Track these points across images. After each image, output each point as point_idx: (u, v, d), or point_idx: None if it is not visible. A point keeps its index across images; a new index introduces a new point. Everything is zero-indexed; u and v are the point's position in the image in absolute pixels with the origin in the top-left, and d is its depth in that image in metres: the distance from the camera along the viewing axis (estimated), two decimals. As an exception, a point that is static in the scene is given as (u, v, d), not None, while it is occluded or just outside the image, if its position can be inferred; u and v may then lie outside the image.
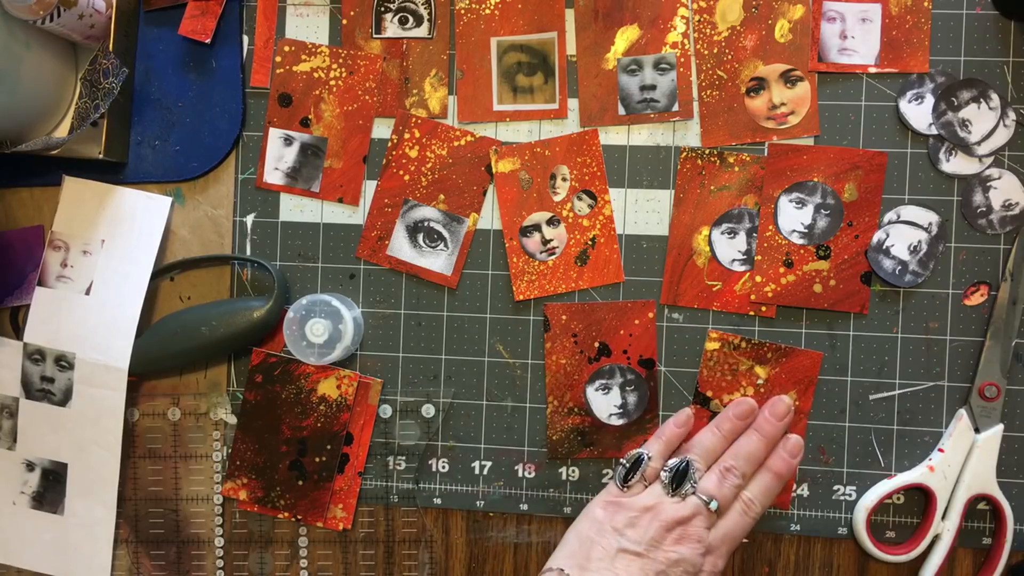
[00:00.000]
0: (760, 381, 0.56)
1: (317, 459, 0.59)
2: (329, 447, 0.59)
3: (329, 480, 0.59)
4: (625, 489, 0.53)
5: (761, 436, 0.54)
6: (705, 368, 0.57)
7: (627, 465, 0.54)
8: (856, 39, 0.56)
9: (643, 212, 0.58)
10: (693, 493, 0.52)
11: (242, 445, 0.59)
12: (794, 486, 0.57)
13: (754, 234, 0.57)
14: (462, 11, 0.58)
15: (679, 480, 0.52)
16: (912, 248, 0.55)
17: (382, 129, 0.59)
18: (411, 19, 0.59)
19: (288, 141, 0.59)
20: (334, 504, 0.59)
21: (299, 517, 0.59)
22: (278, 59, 0.59)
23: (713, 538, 0.51)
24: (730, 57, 0.57)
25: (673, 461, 0.53)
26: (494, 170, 0.58)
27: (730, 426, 0.55)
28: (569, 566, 0.51)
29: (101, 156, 0.58)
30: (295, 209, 0.60)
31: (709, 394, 0.57)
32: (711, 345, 0.56)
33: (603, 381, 0.58)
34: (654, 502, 0.52)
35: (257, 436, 0.59)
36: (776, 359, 0.56)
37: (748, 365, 0.56)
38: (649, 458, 0.54)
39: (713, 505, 0.52)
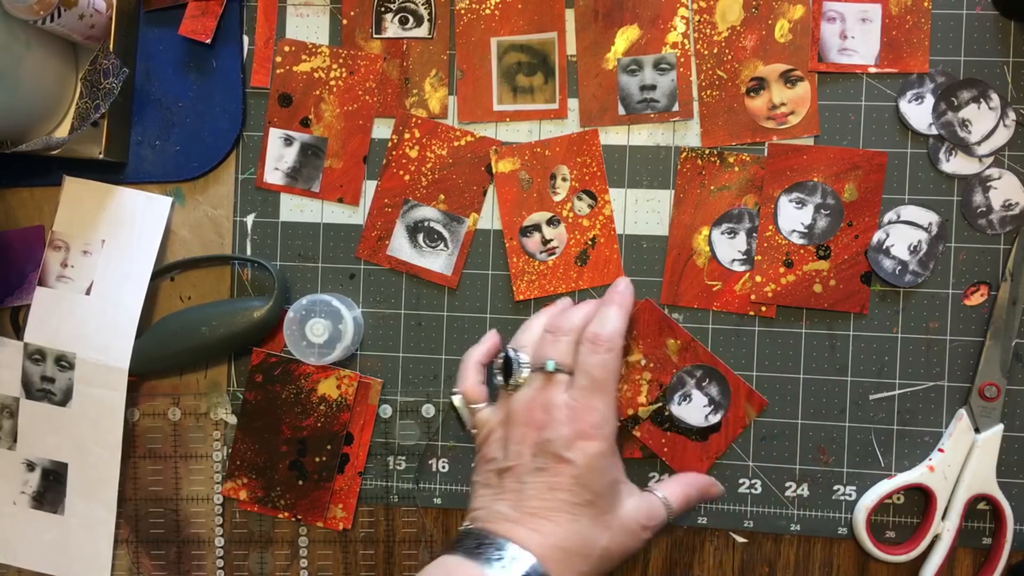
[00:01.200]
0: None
1: (317, 459, 0.59)
2: (329, 447, 0.59)
3: (329, 480, 0.59)
4: (472, 429, 0.52)
5: (583, 306, 0.52)
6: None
7: (455, 417, 0.52)
8: (856, 39, 0.56)
9: (643, 212, 0.58)
10: (525, 368, 0.49)
11: (242, 445, 0.59)
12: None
13: (754, 234, 0.57)
14: (462, 11, 0.58)
15: (508, 371, 0.50)
16: (912, 248, 0.55)
17: (382, 129, 0.59)
18: (411, 19, 0.59)
19: (288, 141, 0.59)
20: (334, 504, 0.59)
21: (299, 517, 0.59)
22: (278, 59, 0.59)
23: (573, 394, 0.48)
24: (730, 57, 0.57)
25: (495, 360, 0.51)
26: (494, 170, 0.58)
27: (542, 321, 0.53)
28: (469, 515, 0.49)
29: (101, 156, 0.58)
30: (295, 209, 0.60)
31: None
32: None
33: (603, 381, 0.58)
34: (503, 411, 0.50)
35: (257, 436, 0.59)
36: None
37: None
38: (456, 393, 0.53)
39: (549, 365, 0.48)
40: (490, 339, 0.56)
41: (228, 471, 0.60)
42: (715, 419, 0.56)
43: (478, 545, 0.45)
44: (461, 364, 0.56)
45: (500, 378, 0.51)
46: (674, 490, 0.52)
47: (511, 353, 0.51)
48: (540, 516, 0.46)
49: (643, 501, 0.50)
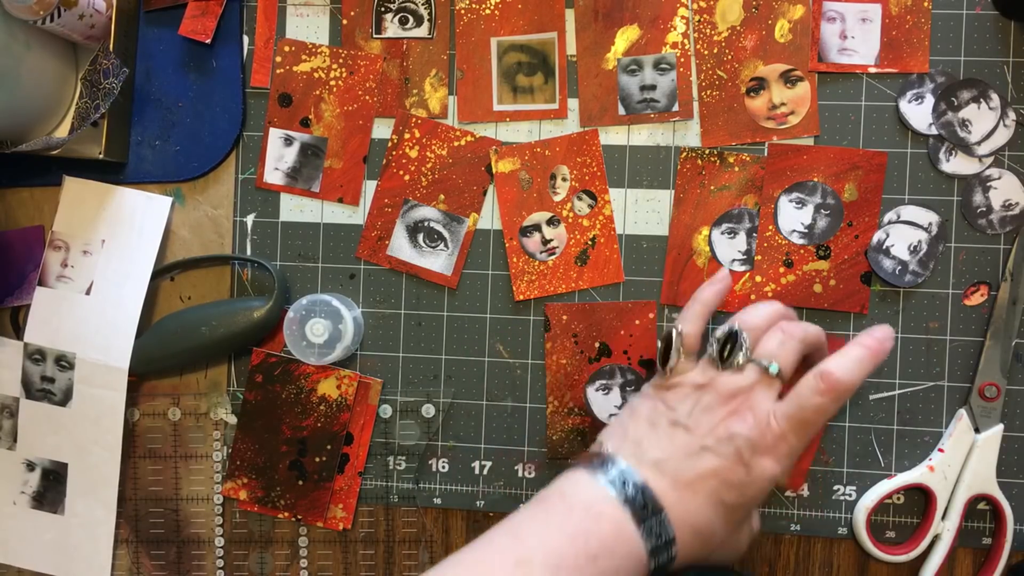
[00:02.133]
0: None
1: (317, 459, 0.59)
2: (329, 447, 0.59)
3: (329, 480, 0.59)
4: (669, 373, 0.48)
5: (817, 328, 0.49)
6: None
7: (661, 346, 0.49)
8: (856, 39, 0.56)
9: (643, 212, 0.58)
10: (748, 360, 0.46)
11: (242, 445, 0.59)
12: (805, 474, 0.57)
13: (754, 234, 0.57)
14: (462, 11, 0.58)
15: (729, 348, 0.47)
16: (912, 248, 0.55)
17: (382, 129, 0.59)
18: (411, 19, 0.59)
19: (288, 141, 0.59)
20: (334, 504, 0.59)
21: (299, 517, 0.59)
22: (278, 59, 0.59)
23: (778, 414, 0.45)
24: (730, 57, 0.57)
25: (720, 330, 0.48)
26: (494, 170, 0.58)
27: (774, 310, 0.49)
28: (612, 439, 0.47)
29: (101, 156, 0.58)
30: (295, 209, 0.60)
31: None
32: None
33: (603, 381, 0.58)
34: (705, 379, 0.47)
35: (257, 436, 0.59)
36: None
37: None
38: (680, 332, 0.48)
39: (773, 368, 0.46)
40: (723, 280, 0.52)
41: (228, 471, 0.60)
42: None
43: (624, 485, 0.45)
44: (692, 300, 0.51)
45: (715, 348, 0.48)
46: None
47: (738, 330, 0.48)
48: (691, 489, 0.45)
49: (753, 527, 0.51)
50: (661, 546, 0.44)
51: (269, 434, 0.59)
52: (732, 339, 0.48)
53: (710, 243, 0.57)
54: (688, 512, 0.45)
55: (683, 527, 0.45)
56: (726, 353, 0.47)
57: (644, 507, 0.44)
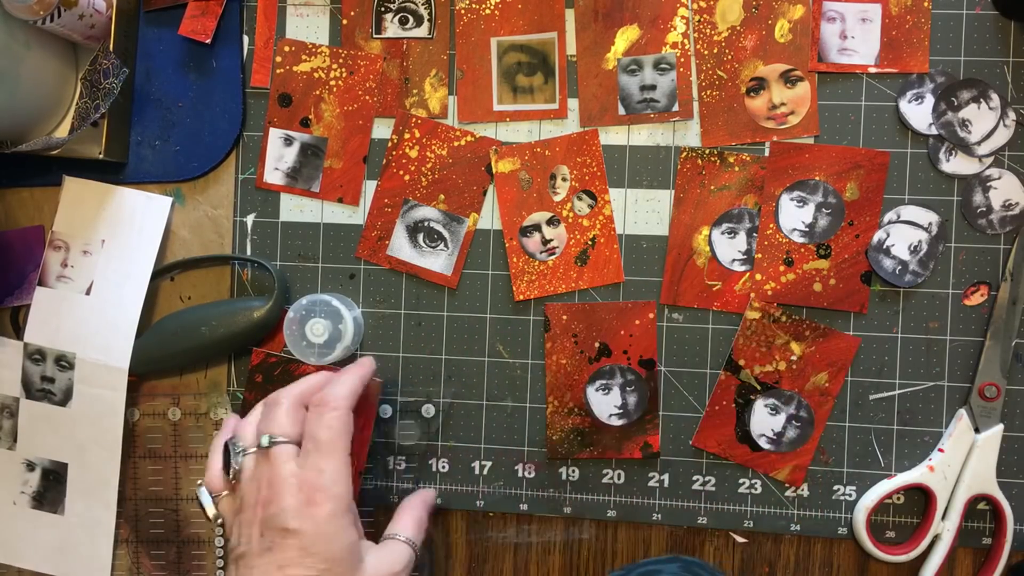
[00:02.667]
0: (794, 357, 0.56)
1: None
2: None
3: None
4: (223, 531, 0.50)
5: (309, 378, 0.51)
6: (742, 337, 0.56)
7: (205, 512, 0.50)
8: (856, 39, 0.56)
9: (643, 212, 0.58)
10: (244, 454, 0.48)
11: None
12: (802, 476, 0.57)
13: (754, 234, 0.57)
14: (462, 11, 0.58)
15: (227, 461, 0.48)
16: (912, 248, 0.55)
17: (382, 129, 0.59)
18: (411, 19, 0.59)
19: (288, 141, 0.59)
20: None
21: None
22: (278, 59, 0.59)
23: (304, 463, 0.46)
24: (730, 57, 0.57)
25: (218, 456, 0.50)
26: (494, 170, 0.58)
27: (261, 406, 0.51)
28: None
29: (101, 156, 0.58)
30: (295, 209, 0.60)
31: (741, 363, 0.56)
32: (751, 314, 0.56)
33: (603, 381, 0.58)
34: (235, 503, 0.48)
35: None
36: (813, 338, 0.56)
37: (785, 340, 0.56)
38: (200, 486, 0.50)
39: (264, 440, 0.47)
40: (230, 423, 0.54)
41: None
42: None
43: None
44: (210, 452, 0.52)
45: (226, 472, 0.49)
46: (405, 523, 0.52)
47: (228, 442, 0.49)
48: None
49: (384, 552, 0.48)
50: None
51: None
52: (226, 451, 0.49)
53: (710, 243, 0.57)
54: None
55: None
56: (230, 470, 0.48)
57: None
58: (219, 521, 0.49)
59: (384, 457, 0.59)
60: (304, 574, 0.43)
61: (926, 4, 0.55)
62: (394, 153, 0.59)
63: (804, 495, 0.57)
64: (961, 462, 0.55)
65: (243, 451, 0.48)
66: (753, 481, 0.57)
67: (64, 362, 0.59)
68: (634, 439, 0.57)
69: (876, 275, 0.56)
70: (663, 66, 0.57)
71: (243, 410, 0.59)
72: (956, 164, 0.55)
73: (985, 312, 0.56)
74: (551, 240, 0.58)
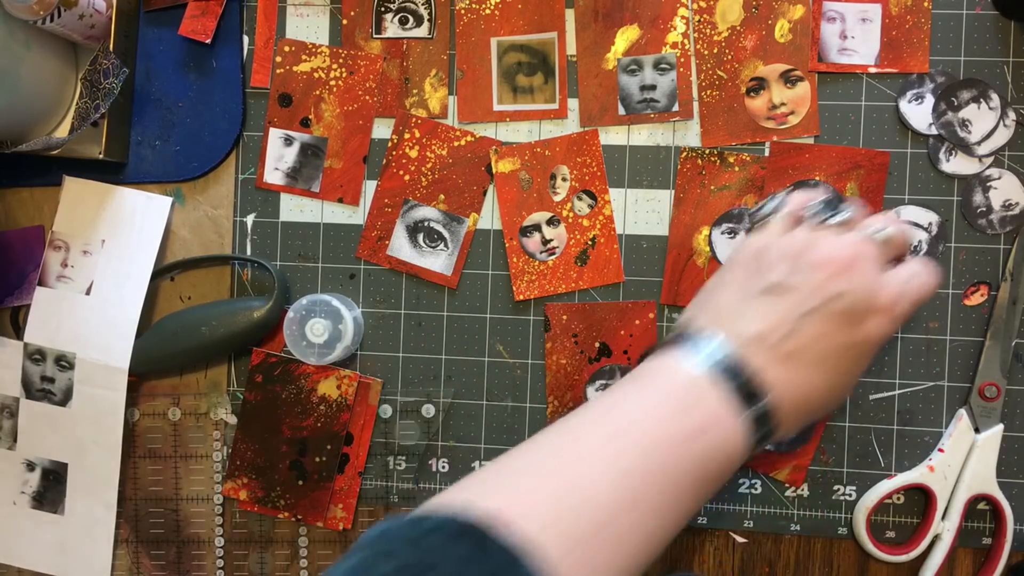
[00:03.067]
0: None
1: (317, 459, 0.59)
2: (329, 447, 0.59)
3: (329, 480, 0.59)
4: (760, 228, 0.46)
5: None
6: None
7: (757, 209, 0.47)
8: (856, 39, 0.56)
9: (643, 212, 0.58)
10: (848, 214, 0.44)
11: (242, 445, 0.59)
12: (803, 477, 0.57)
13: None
14: (462, 11, 0.58)
15: (832, 208, 0.45)
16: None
17: (382, 129, 0.59)
18: (411, 19, 0.59)
19: (288, 141, 0.59)
20: (334, 504, 0.59)
21: (299, 517, 0.59)
22: (278, 59, 0.59)
23: (886, 283, 0.43)
24: (730, 57, 0.57)
25: (819, 197, 0.45)
26: (494, 170, 0.58)
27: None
28: (703, 312, 0.44)
29: (101, 156, 0.58)
30: (295, 209, 0.60)
31: None
32: None
33: (603, 381, 0.58)
34: (804, 239, 0.44)
35: (257, 436, 0.59)
36: None
37: None
38: (777, 199, 0.46)
39: (881, 234, 0.44)
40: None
41: (228, 471, 0.60)
42: None
43: (723, 364, 0.42)
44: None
45: (817, 207, 0.45)
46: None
47: (839, 197, 0.46)
48: (796, 360, 0.42)
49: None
50: (762, 427, 0.41)
51: (269, 434, 0.59)
52: (832, 205, 0.45)
53: (710, 243, 0.57)
54: (792, 386, 0.42)
55: (787, 402, 0.42)
56: (827, 215, 0.45)
57: (744, 387, 0.41)
58: (758, 222, 0.47)
59: (384, 457, 0.59)
60: (838, 362, 0.43)
61: (926, 4, 0.55)
62: (394, 153, 0.59)
63: (804, 495, 0.57)
64: (961, 462, 0.55)
65: (851, 213, 0.45)
66: (753, 481, 0.57)
67: (64, 362, 0.59)
68: (634, 439, 0.57)
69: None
70: (663, 66, 0.57)
71: (243, 410, 0.59)
72: (956, 164, 0.55)
73: (985, 312, 0.56)
74: (551, 240, 0.58)
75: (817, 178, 0.56)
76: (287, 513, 0.59)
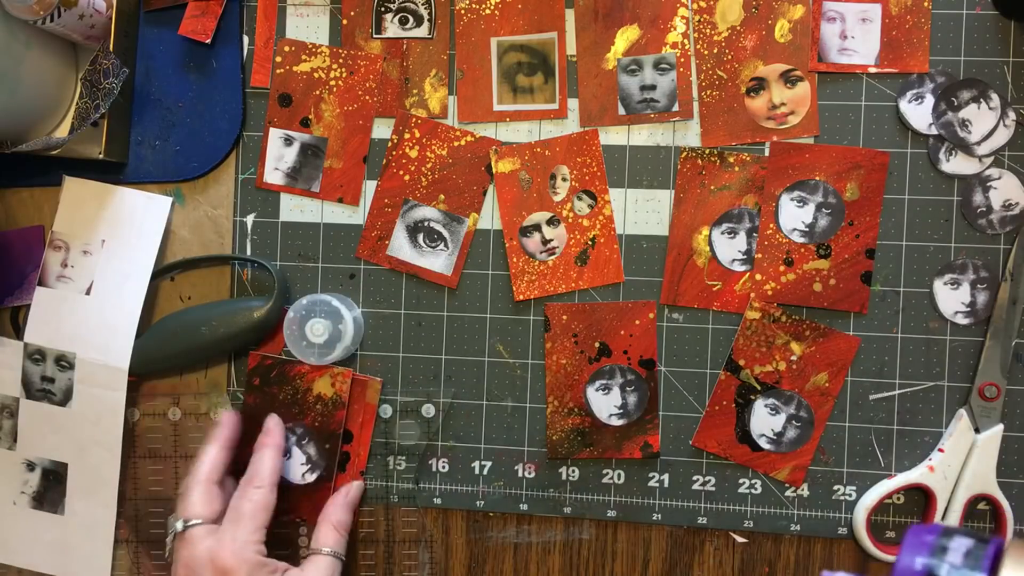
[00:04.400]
0: (794, 357, 0.56)
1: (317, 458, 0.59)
2: (327, 446, 0.59)
3: (329, 480, 0.59)
4: None
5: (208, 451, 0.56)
6: (742, 337, 0.56)
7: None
8: (856, 39, 0.56)
9: (643, 212, 0.58)
10: (169, 538, 0.53)
11: (243, 446, 0.59)
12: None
13: (754, 234, 0.57)
14: (462, 11, 0.58)
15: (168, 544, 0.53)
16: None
17: (382, 129, 0.59)
18: (411, 19, 0.59)
19: (288, 141, 0.59)
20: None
21: (303, 518, 0.59)
22: (278, 59, 0.59)
23: (222, 535, 0.51)
24: (730, 57, 0.57)
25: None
26: (494, 170, 0.58)
27: None
28: None
29: (101, 156, 0.58)
30: (295, 209, 0.60)
31: (742, 363, 0.56)
32: (751, 314, 0.56)
33: (603, 381, 0.58)
34: None
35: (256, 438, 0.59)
36: (813, 338, 0.56)
37: (785, 340, 0.56)
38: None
39: (178, 525, 0.52)
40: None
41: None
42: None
43: None
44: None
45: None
46: (325, 534, 0.55)
47: (171, 521, 0.54)
48: None
49: (310, 568, 0.52)
50: None
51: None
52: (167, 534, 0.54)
53: (710, 243, 0.57)
54: None
55: None
56: (167, 553, 0.54)
57: None
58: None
59: (384, 457, 0.59)
60: None
61: (926, 4, 0.55)
62: (394, 153, 0.59)
63: (804, 495, 0.57)
64: (961, 462, 0.55)
65: (171, 535, 0.53)
66: (753, 481, 0.57)
67: (64, 362, 0.59)
68: (634, 439, 0.57)
69: (876, 275, 0.56)
70: (663, 66, 0.57)
71: (243, 412, 0.59)
72: (956, 164, 0.55)
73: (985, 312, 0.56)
74: (551, 240, 0.58)
75: (816, 178, 0.56)
76: (291, 515, 0.59)
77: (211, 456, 0.55)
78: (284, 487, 0.59)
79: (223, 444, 0.56)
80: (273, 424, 0.57)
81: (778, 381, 0.56)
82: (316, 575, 0.52)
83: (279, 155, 0.60)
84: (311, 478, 0.58)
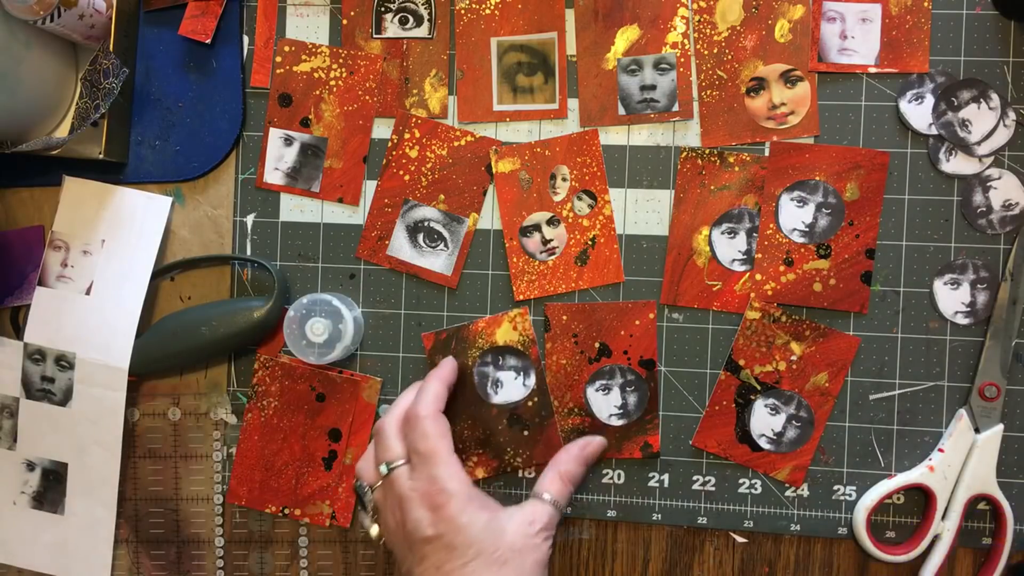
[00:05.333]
0: (794, 357, 0.56)
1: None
2: (529, 380, 0.58)
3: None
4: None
5: (406, 393, 0.56)
6: (742, 337, 0.56)
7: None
8: (856, 39, 0.56)
9: (643, 212, 0.58)
10: (368, 492, 0.52)
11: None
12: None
13: (754, 234, 0.57)
14: (462, 11, 0.58)
15: (362, 503, 0.53)
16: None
17: (382, 129, 0.59)
18: (411, 19, 0.59)
19: (288, 141, 0.59)
20: (334, 503, 0.59)
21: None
22: (278, 59, 0.59)
23: (418, 476, 0.50)
24: (730, 57, 0.57)
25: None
26: (494, 170, 0.58)
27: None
28: None
29: (101, 156, 0.58)
30: (295, 209, 0.60)
31: (742, 363, 0.56)
32: (751, 314, 0.56)
33: (603, 381, 0.58)
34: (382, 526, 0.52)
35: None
36: (813, 338, 0.56)
37: (785, 340, 0.56)
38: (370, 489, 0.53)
39: (383, 470, 0.51)
40: (359, 466, 0.56)
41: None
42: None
43: None
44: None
45: (364, 512, 0.53)
46: (550, 479, 0.53)
47: (355, 486, 0.54)
48: None
49: (520, 513, 0.51)
50: None
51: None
52: (359, 496, 0.54)
53: (710, 243, 0.57)
54: None
55: None
56: (368, 510, 0.53)
57: None
58: (382, 541, 0.53)
59: (384, 457, 0.59)
60: (458, 565, 0.48)
61: (926, 4, 0.55)
62: (394, 153, 0.59)
63: (804, 495, 0.57)
64: (961, 462, 0.55)
65: (370, 488, 0.53)
66: (753, 481, 0.57)
67: (64, 362, 0.59)
68: (634, 439, 0.57)
69: (876, 275, 0.56)
70: (663, 66, 0.57)
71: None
72: (956, 164, 0.55)
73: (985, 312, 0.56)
74: (551, 240, 0.58)
75: (816, 178, 0.56)
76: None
77: (408, 397, 0.54)
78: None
79: (443, 380, 0.54)
80: (445, 361, 0.57)
81: (778, 381, 0.56)
82: (528, 517, 0.51)
83: (279, 155, 0.60)
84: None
